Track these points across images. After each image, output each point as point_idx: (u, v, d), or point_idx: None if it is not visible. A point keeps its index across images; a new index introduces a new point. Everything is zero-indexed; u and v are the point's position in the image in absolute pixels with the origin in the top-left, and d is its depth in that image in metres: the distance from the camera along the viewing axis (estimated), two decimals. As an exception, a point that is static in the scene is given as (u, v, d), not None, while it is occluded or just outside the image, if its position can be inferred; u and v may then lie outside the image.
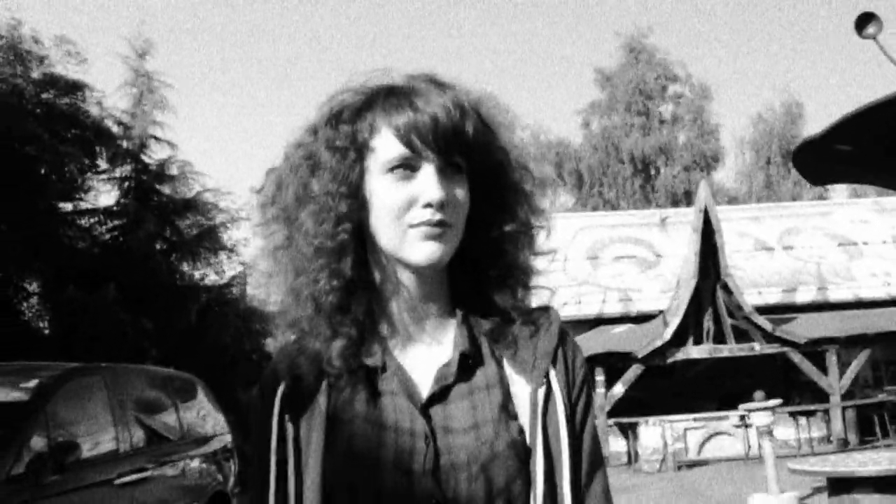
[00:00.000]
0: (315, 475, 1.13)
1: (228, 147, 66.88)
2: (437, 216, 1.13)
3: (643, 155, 37.93)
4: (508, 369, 1.21)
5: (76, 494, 5.40)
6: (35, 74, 11.82)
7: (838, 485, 7.57)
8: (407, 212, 1.14)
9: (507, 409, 1.18)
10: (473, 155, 1.17)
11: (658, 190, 37.76)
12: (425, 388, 1.19)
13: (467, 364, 1.20)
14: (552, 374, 1.19)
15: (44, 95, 12.13)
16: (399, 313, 1.22)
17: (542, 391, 1.17)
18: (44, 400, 5.48)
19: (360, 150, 1.17)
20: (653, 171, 38.70)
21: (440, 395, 1.18)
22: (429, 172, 1.14)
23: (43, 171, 11.90)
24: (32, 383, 5.60)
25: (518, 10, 64.78)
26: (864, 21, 6.11)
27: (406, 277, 1.20)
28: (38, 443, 5.21)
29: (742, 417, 14.26)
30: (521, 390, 1.19)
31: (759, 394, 9.96)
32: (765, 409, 9.48)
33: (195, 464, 7.48)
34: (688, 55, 68.51)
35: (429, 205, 1.13)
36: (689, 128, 39.24)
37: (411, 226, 1.14)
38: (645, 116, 39.10)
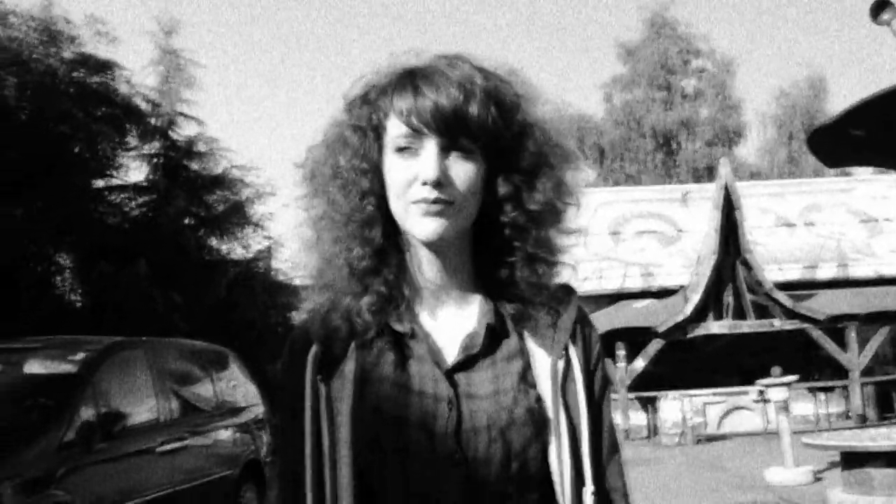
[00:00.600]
0: (346, 433, 1.20)
1: (253, 122, 67.16)
2: (434, 194, 1.18)
3: (665, 129, 37.90)
4: (529, 342, 1.27)
5: (122, 461, 5.72)
6: (67, 54, 12.03)
7: (851, 459, 7.80)
8: (409, 189, 1.20)
9: (526, 378, 1.25)
10: (483, 135, 1.20)
11: (680, 165, 37.75)
12: (450, 356, 1.26)
13: (492, 335, 1.27)
14: (571, 348, 1.27)
15: (75, 74, 12.36)
16: (424, 282, 1.28)
17: (561, 363, 1.25)
18: (91, 372, 5.79)
19: (377, 130, 1.24)
20: (675, 146, 38.66)
21: (465, 363, 1.25)
22: (429, 152, 1.19)
23: (77, 150, 12.19)
24: (79, 356, 5.91)
25: (540, -17, 64.42)
26: (880, 7, 6.22)
27: (423, 249, 1.26)
28: (86, 412, 5.51)
29: (761, 392, 14.42)
30: (542, 362, 1.26)
31: (776, 369, 10.16)
32: (781, 384, 9.69)
33: (230, 433, 7.79)
34: (711, 28, 68.07)
35: (426, 182, 1.18)
36: (711, 102, 39.07)
37: (413, 202, 1.19)
38: (667, 91, 38.98)
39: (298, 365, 1.25)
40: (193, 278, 14.38)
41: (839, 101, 40.74)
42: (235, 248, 17.17)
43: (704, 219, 19.26)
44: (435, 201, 1.18)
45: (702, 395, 17.10)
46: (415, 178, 1.19)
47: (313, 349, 1.25)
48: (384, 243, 1.26)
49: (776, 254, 20.88)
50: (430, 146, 1.19)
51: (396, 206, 1.22)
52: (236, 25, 68.54)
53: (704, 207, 20.28)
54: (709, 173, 34.12)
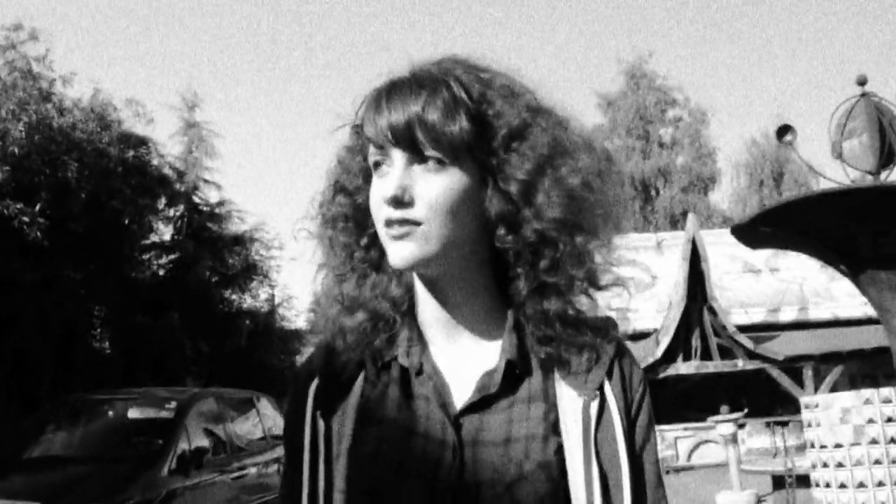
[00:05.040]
0: (343, 476, 1.09)
1: (260, 176, 70.33)
2: (395, 213, 1.03)
3: (643, 177, 39.77)
4: (558, 381, 1.09)
5: (209, 486, 7.44)
6: (113, 135, 13.86)
7: (778, 481, 9.58)
8: (381, 208, 1.05)
9: (547, 423, 1.07)
10: (449, 143, 1.03)
11: (657, 211, 39.56)
12: (463, 395, 1.10)
13: (513, 374, 1.09)
14: (607, 386, 1.09)
15: (119, 152, 14.16)
16: (433, 312, 1.14)
17: (595, 404, 1.07)
18: (183, 416, 7.55)
19: (363, 152, 1.13)
20: (653, 193, 40.55)
21: (479, 404, 1.09)
22: (394, 168, 1.05)
23: (126, 222, 14.04)
24: (173, 404, 7.66)
25: (523, 37, 67.13)
26: (784, 131, 8.16)
27: (415, 278, 1.15)
28: (182, 447, 7.25)
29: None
30: (572, 403, 1.08)
31: (724, 407, 11.90)
32: (728, 420, 11.45)
33: (274, 463, 9.47)
34: (686, 80, 71.03)
35: (387, 201, 1.04)
36: (687, 151, 40.96)
37: (382, 224, 1.06)
38: (645, 140, 40.88)
39: (300, 399, 1.16)
40: (216, 329, 16.13)
41: (808, 150, 42.84)
42: (246, 300, 18.97)
43: (677, 265, 21.00)
44: (398, 222, 1.04)
45: (672, 430, 18.76)
46: (383, 197, 1.05)
47: (315, 382, 1.16)
48: (368, 263, 1.16)
49: (743, 298, 22.64)
50: (396, 161, 1.05)
51: (377, 228, 1.09)
52: (243, 93, 72.19)
53: (677, 254, 21.90)
54: (685, 219, 35.89)
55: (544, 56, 66.71)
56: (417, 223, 1.04)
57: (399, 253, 1.04)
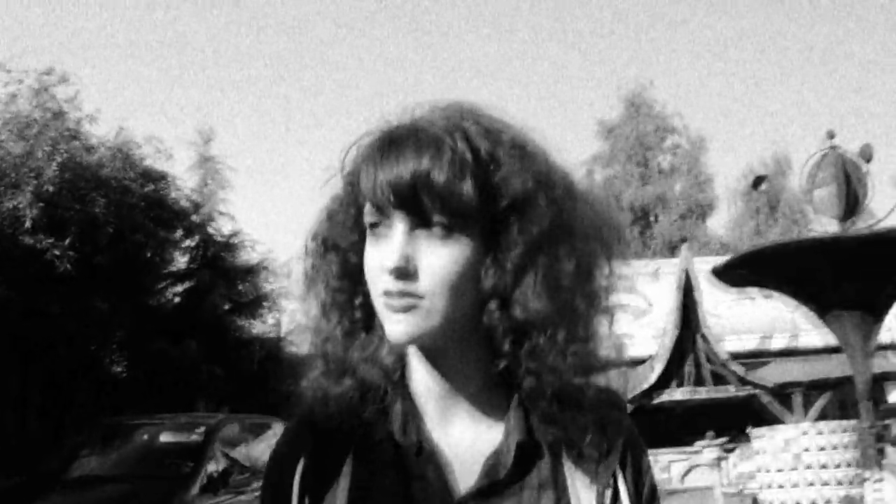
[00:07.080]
0: None
1: (269, 207, 72.12)
2: (397, 285, 0.94)
3: (642, 204, 40.65)
4: (568, 466, 1.02)
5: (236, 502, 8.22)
6: (136, 171, 14.67)
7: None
8: (380, 277, 0.96)
9: None
10: (457, 208, 0.93)
11: (655, 237, 40.31)
12: (465, 478, 1.01)
13: (522, 456, 1.01)
14: (619, 476, 1.02)
15: (140, 187, 14.99)
16: (428, 384, 1.04)
17: (608, 493, 1.00)
18: (212, 439, 8.33)
19: (357, 206, 1.02)
20: (651, 219, 41.43)
21: (486, 490, 1.00)
22: (394, 232, 0.95)
23: (149, 255, 14.88)
24: (202, 429, 8.45)
25: (524, 65, 68.31)
26: (759, 181, 9.04)
27: (411, 351, 1.04)
28: (210, 469, 8.02)
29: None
30: (584, 492, 1.00)
31: (710, 433, 12.66)
32: (711, 445, 12.22)
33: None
34: (685, 107, 72.37)
35: (389, 272, 0.94)
36: (685, 178, 41.88)
37: (380, 294, 0.96)
38: (644, 167, 41.77)
39: (283, 484, 1.04)
40: (229, 354, 16.89)
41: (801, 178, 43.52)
42: (256, 326, 19.70)
43: (673, 292, 21.73)
44: (398, 294, 0.94)
45: (666, 454, 19.42)
46: (383, 265, 0.95)
47: (301, 464, 1.04)
48: (357, 326, 1.05)
49: (737, 325, 23.28)
50: (397, 226, 0.95)
51: (372, 296, 0.99)
52: (252, 124, 74.41)
53: (673, 281, 22.69)
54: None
55: (546, 84, 67.88)
56: (420, 297, 0.94)
57: (399, 328, 0.95)
